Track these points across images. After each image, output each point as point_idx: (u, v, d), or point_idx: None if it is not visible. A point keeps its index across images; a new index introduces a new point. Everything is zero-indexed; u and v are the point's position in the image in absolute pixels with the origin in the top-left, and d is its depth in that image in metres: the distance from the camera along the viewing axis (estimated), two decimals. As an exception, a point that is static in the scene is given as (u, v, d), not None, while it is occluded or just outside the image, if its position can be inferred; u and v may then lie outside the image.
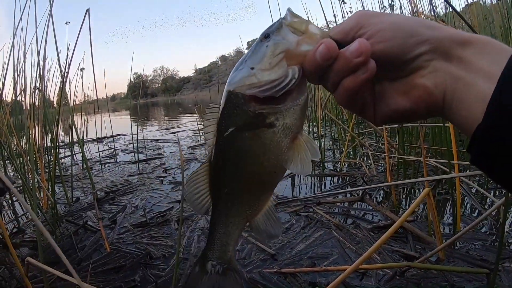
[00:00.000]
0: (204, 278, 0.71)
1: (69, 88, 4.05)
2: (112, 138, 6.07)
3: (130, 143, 5.49)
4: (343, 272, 1.03)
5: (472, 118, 0.42)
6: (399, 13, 3.00)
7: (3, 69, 3.05)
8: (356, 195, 2.26)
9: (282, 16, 0.55)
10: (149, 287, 1.44)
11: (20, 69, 3.09)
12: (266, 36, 0.54)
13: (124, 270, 1.60)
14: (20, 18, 2.53)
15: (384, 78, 0.52)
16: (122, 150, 5.12)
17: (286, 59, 0.52)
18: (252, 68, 0.53)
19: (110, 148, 5.34)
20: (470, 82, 0.44)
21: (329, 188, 2.56)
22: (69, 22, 3.56)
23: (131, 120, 5.30)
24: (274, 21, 0.55)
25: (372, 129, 3.23)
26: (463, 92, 0.44)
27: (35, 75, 3.30)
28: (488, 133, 0.41)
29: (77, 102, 4.90)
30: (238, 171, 0.59)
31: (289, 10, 0.55)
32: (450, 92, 0.46)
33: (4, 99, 2.82)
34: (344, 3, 3.78)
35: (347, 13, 3.64)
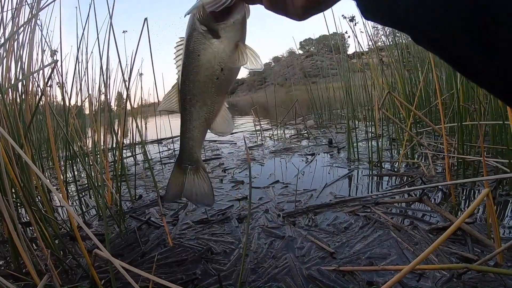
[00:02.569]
0: (180, 177, 0.92)
1: (129, 93, 4.21)
2: (171, 140, 6.24)
3: (189, 144, 5.60)
4: (400, 272, 1.04)
5: None
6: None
7: (67, 76, 3.25)
8: (414, 195, 2.23)
9: None
10: (210, 280, 1.49)
11: (83, 76, 3.27)
12: None
13: (186, 263, 1.66)
14: (83, 33, 2.68)
15: None
16: (181, 151, 5.18)
17: None
18: None
19: (170, 149, 5.49)
20: None
21: (387, 188, 2.53)
22: (126, 31, 3.72)
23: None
24: None
25: (431, 128, 3.16)
26: None
27: (97, 81, 3.48)
28: None
29: (135, 106, 5.09)
30: (196, 77, 0.75)
31: None
32: None
33: (71, 103, 2.98)
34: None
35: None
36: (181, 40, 0.77)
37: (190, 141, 0.85)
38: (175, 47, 0.78)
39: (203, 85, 0.76)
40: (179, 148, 0.89)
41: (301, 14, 0.59)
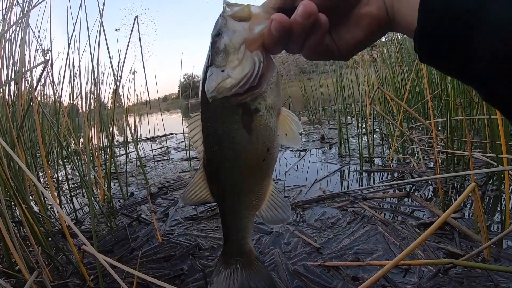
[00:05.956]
0: (230, 276, 0.75)
1: (122, 91, 4.21)
2: (164, 137, 6.25)
3: (182, 142, 5.63)
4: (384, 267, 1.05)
5: (410, 24, 0.48)
6: None
7: (59, 75, 3.24)
8: (405, 190, 2.23)
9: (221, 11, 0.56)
10: (197, 276, 1.50)
11: (75, 75, 3.26)
12: (217, 34, 0.56)
13: (174, 259, 1.67)
14: (73, 29, 2.67)
15: (335, 21, 0.55)
16: (174, 148, 5.25)
17: (247, 48, 0.54)
18: (223, 70, 0.55)
19: (163, 147, 5.50)
20: None
21: (376, 184, 2.54)
22: (119, 29, 3.70)
23: (183, 119, 5.43)
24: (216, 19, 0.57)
25: (421, 123, 3.17)
26: (398, 6, 0.50)
27: (89, 80, 3.48)
28: (423, 33, 0.46)
29: (130, 104, 5.08)
30: (236, 163, 0.61)
31: (224, 2, 0.56)
32: (390, 9, 0.52)
33: (62, 102, 2.97)
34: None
35: None
36: (195, 116, 0.63)
37: (240, 232, 0.71)
38: (189, 125, 0.65)
39: (247, 172, 0.62)
40: (223, 240, 0.75)
41: (347, 56, 0.59)
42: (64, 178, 3.39)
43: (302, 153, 3.80)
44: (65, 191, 3.07)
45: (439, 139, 2.52)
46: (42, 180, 3.45)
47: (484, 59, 0.41)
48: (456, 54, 0.44)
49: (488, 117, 1.93)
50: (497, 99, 0.44)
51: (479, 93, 0.48)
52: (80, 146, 3.31)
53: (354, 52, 0.58)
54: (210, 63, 0.57)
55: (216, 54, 0.56)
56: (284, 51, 0.58)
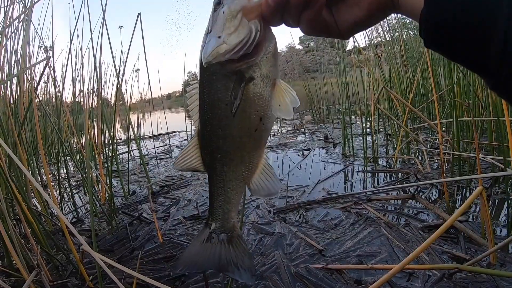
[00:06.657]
0: (208, 249, 0.74)
1: (125, 89, 4.20)
2: (167, 135, 6.24)
3: (185, 140, 5.62)
4: (389, 271, 1.02)
5: (417, 6, 0.47)
6: None
7: (62, 72, 3.24)
8: (409, 192, 2.21)
9: None
10: (197, 277, 1.48)
11: (78, 72, 3.26)
12: (218, 3, 0.57)
13: (175, 260, 1.65)
14: (76, 25, 2.65)
15: None
16: (177, 146, 5.24)
17: (245, 16, 0.55)
18: (219, 37, 0.55)
19: (166, 145, 5.48)
20: None
21: (381, 184, 2.51)
22: (122, 27, 3.69)
23: (186, 117, 5.44)
24: None
25: (427, 124, 3.14)
26: None
27: (92, 78, 3.47)
28: (430, 15, 0.45)
29: (133, 102, 5.06)
30: (228, 131, 0.62)
31: None
32: None
33: (64, 100, 2.96)
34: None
35: None
36: (195, 83, 0.64)
37: (226, 204, 0.71)
38: (187, 93, 0.66)
39: (238, 141, 0.63)
40: (208, 211, 0.75)
41: (346, 35, 0.58)
42: (67, 175, 3.38)
43: (306, 152, 3.79)
44: (67, 189, 3.06)
45: (444, 140, 2.48)
46: (44, 177, 3.45)
47: (503, 36, 0.39)
48: (472, 35, 0.43)
49: (496, 118, 1.90)
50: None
51: (488, 79, 0.46)
52: (83, 144, 3.30)
53: (353, 31, 0.57)
54: (210, 30, 0.58)
55: (215, 23, 0.57)
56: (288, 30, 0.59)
